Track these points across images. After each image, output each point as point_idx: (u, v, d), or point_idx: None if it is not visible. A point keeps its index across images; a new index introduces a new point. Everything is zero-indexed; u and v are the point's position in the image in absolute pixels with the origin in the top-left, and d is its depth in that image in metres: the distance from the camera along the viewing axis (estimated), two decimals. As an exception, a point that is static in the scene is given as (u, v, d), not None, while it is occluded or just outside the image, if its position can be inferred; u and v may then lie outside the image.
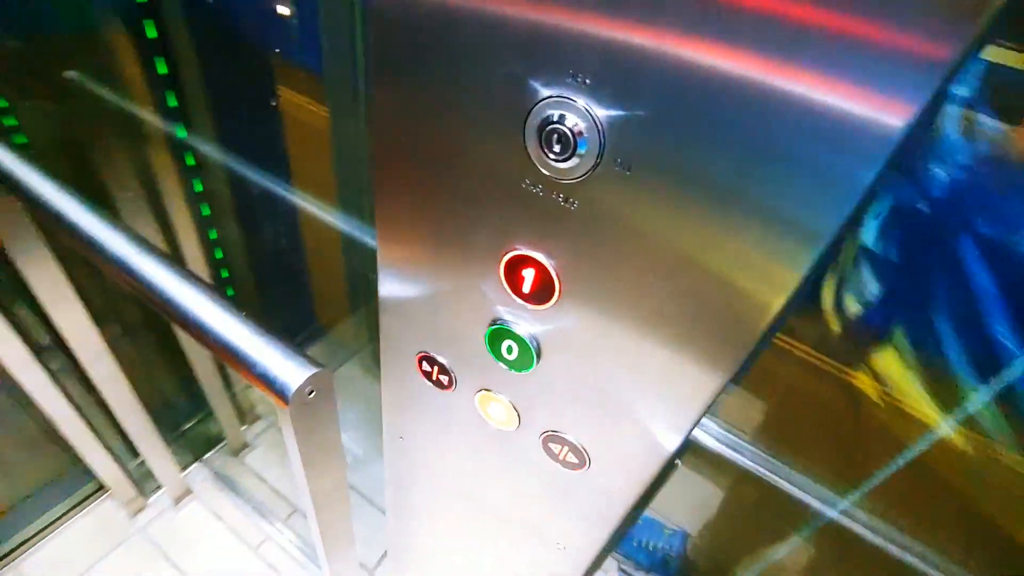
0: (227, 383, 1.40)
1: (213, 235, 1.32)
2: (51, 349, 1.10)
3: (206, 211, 1.28)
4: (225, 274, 1.39)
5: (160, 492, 1.41)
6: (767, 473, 0.55)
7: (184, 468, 1.43)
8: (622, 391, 0.44)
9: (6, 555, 1.24)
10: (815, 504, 0.55)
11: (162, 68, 1.05)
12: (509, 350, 0.47)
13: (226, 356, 0.56)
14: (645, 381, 0.42)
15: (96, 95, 0.96)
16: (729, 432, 0.59)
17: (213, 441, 1.50)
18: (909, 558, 0.52)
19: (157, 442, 1.28)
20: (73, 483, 1.33)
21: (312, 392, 0.55)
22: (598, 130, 0.33)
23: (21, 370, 1.03)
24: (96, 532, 1.32)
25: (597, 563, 0.63)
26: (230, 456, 1.51)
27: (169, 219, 1.17)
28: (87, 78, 0.94)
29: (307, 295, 1.67)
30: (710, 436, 0.60)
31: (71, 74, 0.92)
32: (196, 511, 1.41)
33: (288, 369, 0.53)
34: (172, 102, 1.11)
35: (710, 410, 0.52)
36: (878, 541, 0.53)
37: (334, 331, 1.78)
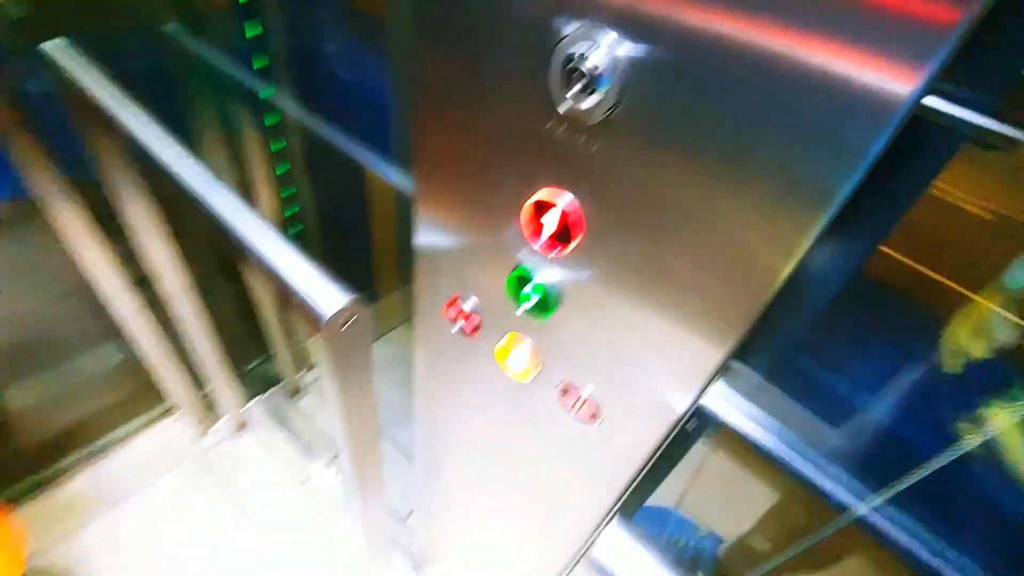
0: (288, 331, 1.51)
1: (288, 192, 1.40)
2: (142, 283, 1.22)
3: (283, 168, 1.36)
4: (295, 230, 1.48)
5: (222, 421, 1.54)
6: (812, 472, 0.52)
7: (245, 402, 1.56)
8: (635, 344, 0.44)
9: (88, 456, 1.41)
10: (850, 501, 0.52)
11: (252, 31, 1.13)
12: (529, 296, 0.48)
13: (272, 279, 0.60)
14: (658, 335, 0.42)
15: (190, 50, 1.05)
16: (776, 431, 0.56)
17: (272, 382, 1.62)
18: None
19: (225, 376, 1.40)
20: (149, 403, 1.48)
21: (347, 322, 0.58)
22: (618, 71, 0.33)
23: (115, 299, 1.16)
24: (164, 448, 1.47)
25: (604, 525, 0.63)
26: (285, 397, 1.62)
27: (248, 172, 1.26)
28: (184, 33, 1.03)
29: (369, 258, 1.75)
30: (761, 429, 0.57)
31: (169, 27, 1.01)
32: (251, 442, 1.53)
33: (326, 296, 0.57)
34: (260, 63, 1.19)
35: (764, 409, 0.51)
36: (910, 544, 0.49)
37: (393, 295, 1.85)
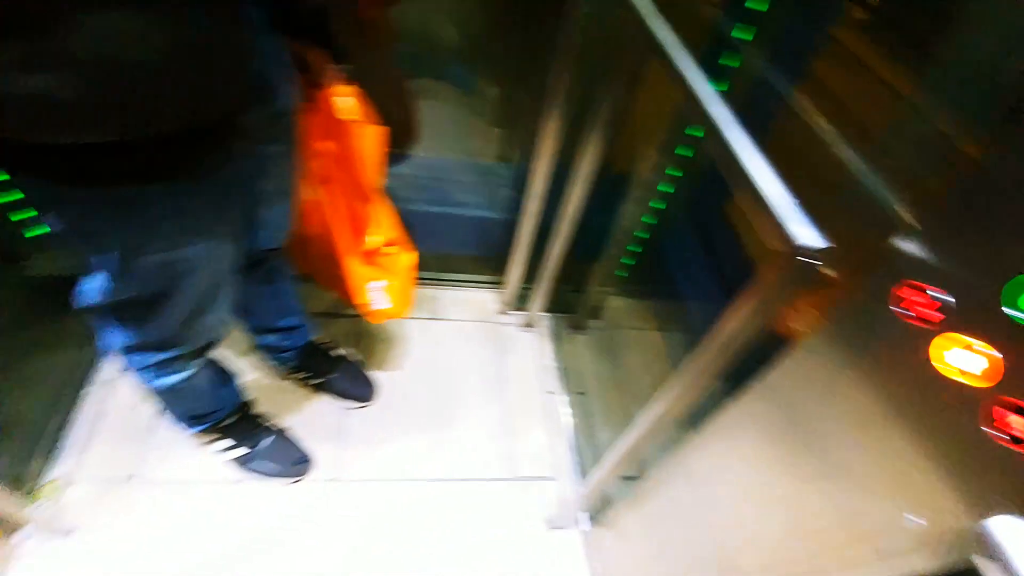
0: (605, 285, 1.73)
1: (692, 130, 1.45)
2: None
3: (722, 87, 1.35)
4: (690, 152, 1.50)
5: (521, 313, 1.86)
6: None
7: (542, 311, 1.84)
8: None
9: (442, 281, 1.88)
10: None
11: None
12: (1037, 307, 0.50)
13: (755, 201, 0.73)
14: None
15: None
16: None
17: (568, 310, 1.88)
18: None
19: (545, 286, 1.69)
20: (491, 272, 1.89)
21: (806, 257, 0.67)
22: None
23: (535, 185, 1.48)
24: (478, 304, 1.87)
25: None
26: (569, 327, 1.87)
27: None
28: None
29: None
30: None
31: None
32: (528, 339, 1.83)
33: (805, 232, 0.67)
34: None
35: None
36: None
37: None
